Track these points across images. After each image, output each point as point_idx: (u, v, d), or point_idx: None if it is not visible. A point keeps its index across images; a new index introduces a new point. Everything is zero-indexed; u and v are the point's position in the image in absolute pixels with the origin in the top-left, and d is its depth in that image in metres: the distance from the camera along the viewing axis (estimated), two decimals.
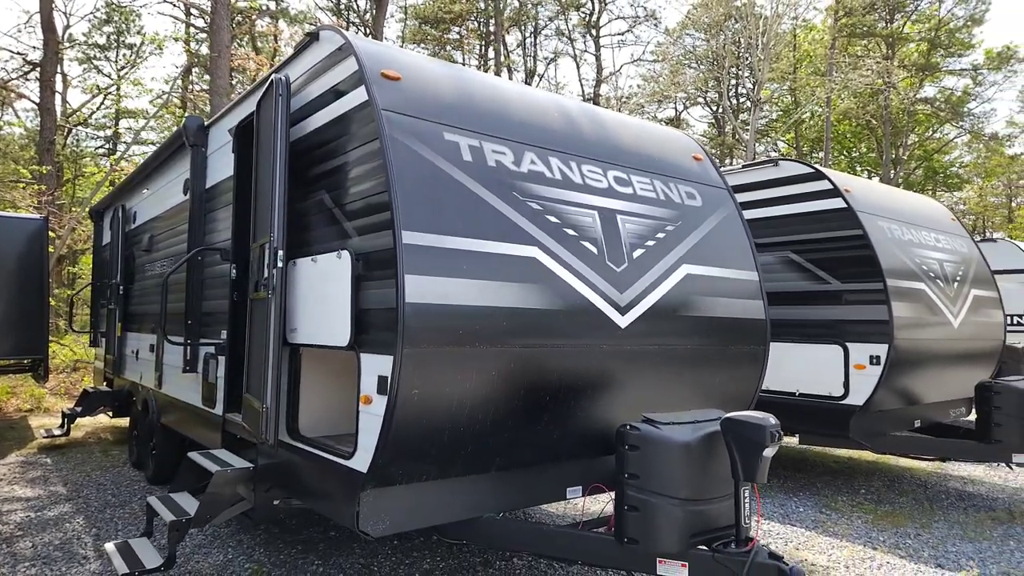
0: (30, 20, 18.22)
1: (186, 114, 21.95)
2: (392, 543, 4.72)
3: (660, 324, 3.70)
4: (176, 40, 20.02)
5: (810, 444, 6.43)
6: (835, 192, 5.79)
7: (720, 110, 31.72)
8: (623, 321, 3.53)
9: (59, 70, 18.82)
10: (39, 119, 17.25)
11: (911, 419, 6.13)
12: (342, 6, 25.29)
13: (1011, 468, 6.37)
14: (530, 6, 29.26)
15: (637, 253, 3.70)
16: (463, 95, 3.45)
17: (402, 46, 28.46)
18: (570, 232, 3.44)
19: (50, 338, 11.11)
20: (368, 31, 20.93)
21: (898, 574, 4.41)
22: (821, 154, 30.31)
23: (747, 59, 24.40)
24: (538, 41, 30.92)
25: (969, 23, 29.50)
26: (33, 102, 17.81)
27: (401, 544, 4.71)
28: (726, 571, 2.79)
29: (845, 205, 5.70)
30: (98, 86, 21.40)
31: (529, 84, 29.83)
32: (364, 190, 3.10)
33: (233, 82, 15.78)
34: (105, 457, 7.45)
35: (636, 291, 3.61)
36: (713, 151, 32.60)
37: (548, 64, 34.20)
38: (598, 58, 31.01)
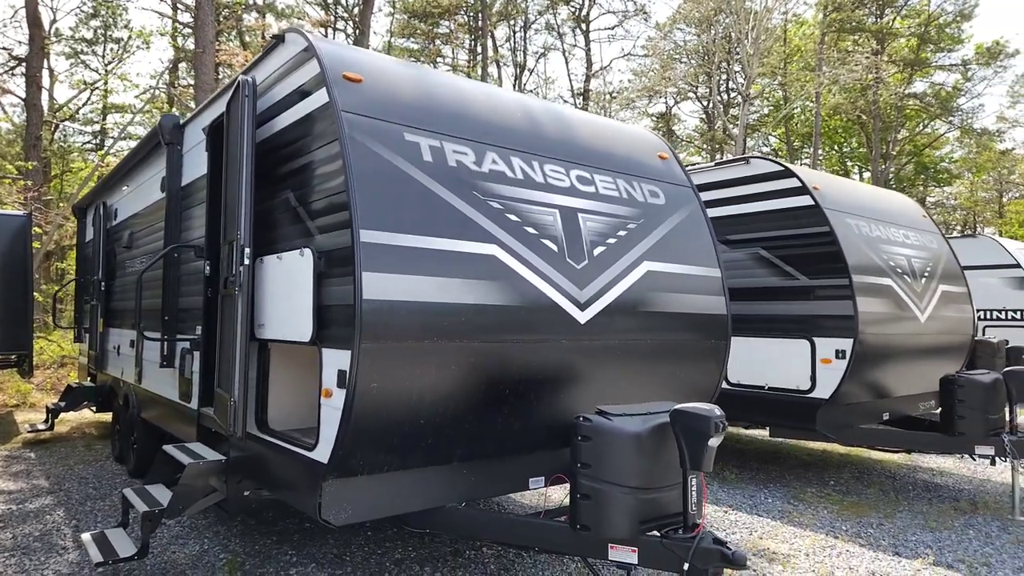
0: (15, 15, 18.09)
1: (173, 110, 21.92)
2: (365, 534, 4.83)
3: (620, 319, 3.80)
4: (162, 35, 19.97)
5: (779, 437, 6.57)
6: (803, 190, 5.90)
7: (711, 105, 31.83)
8: (583, 317, 3.63)
9: (46, 65, 18.74)
10: (25, 115, 17.19)
11: (879, 412, 6.27)
12: (330, 1, 25.23)
13: (974, 459, 6.52)
14: (519, 0, 29.26)
15: (598, 250, 3.80)
16: (425, 96, 3.53)
17: (390, 40, 28.43)
18: (530, 230, 3.53)
19: (37, 334, 11.16)
20: (356, 26, 20.91)
21: (856, 561, 4.54)
22: (813, 149, 30.46)
23: (737, 54, 24.50)
24: (527, 36, 30.92)
25: (958, 18, 29.68)
26: (19, 98, 17.75)
27: (374, 535, 4.81)
28: (673, 555, 2.90)
29: (813, 203, 5.81)
30: (85, 81, 21.32)
31: (519, 79, 29.86)
32: (325, 190, 3.19)
33: (219, 77, 15.76)
34: (88, 451, 7.53)
35: (596, 287, 3.71)
36: (703, 146, 32.74)
37: (538, 59, 34.22)
38: (588, 53, 31.05)
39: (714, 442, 2.91)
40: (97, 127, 23.75)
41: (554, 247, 3.59)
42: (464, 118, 3.60)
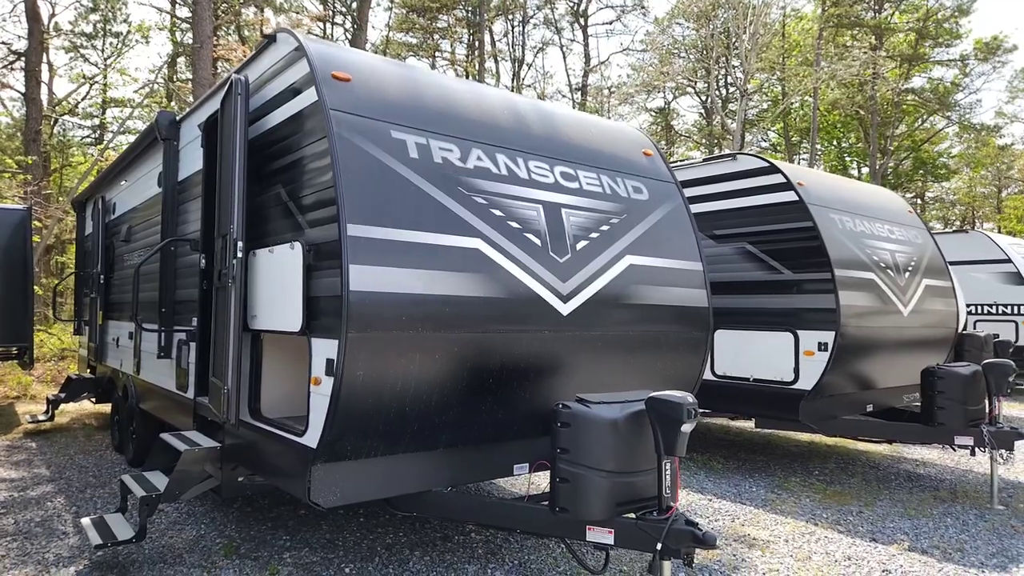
0: (15, 9, 18.15)
1: (171, 104, 21.98)
2: (358, 520, 4.97)
3: (602, 312, 3.93)
4: (161, 30, 20.02)
5: (764, 428, 6.70)
6: (788, 186, 6.02)
7: (709, 100, 31.86)
8: (565, 309, 3.75)
9: (45, 59, 18.81)
10: (25, 109, 17.28)
11: (863, 403, 6.40)
12: None
13: (954, 450, 6.65)
14: None
15: (581, 245, 3.92)
16: (412, 95, 3.64)
17: (388, 35, 28.45)
18: (514, 225, 3.65)
19: (37, 327, 11.28)
20: (354, 21, 20.95)
21: (833, 547, 4.68)
22: (811, 144, 30.52)
23: (736, 49, 24.55)
24: (525, 30, 30.93)
25: (957, 13, 29.69)
26: (19, 92, 17.82)
27: (366, 521, 4.95)
28: (647, 536, 3.03)
29: (797, 198, 5.93)
30: (84, 75, 21.38)
31: (517, 74, 29.88)
32: (315, 185, 3.31)
33: (217, 72, 15.84)
34: (88, 441, 7.67)
35: (578, 280, 3.83)
36: (702, 141, 32.80)
37: (536, 54, 34.24)
38: (586, 48, 31.07)
39: (687, 428, 3.04)
40: (96, 121, 23.82)
41: (537, 241, 3.71)
42: (450, 116, 3.71)
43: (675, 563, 3.49)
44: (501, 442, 3.78)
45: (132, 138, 23.23)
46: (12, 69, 18.18)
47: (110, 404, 7.69)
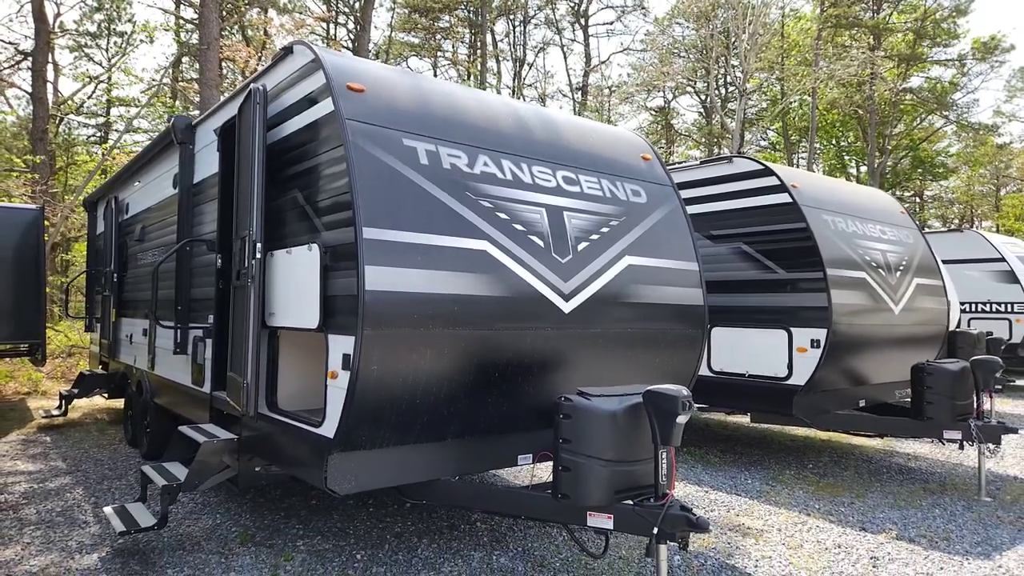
0: (21, 9, 18.29)
1: (176, 104, 22.14)
2: (368, 509, 5.17)
3: (602, 310, 4.12)
4: (167, 31, 20.19)
5: (759, 422, 6.90)
6: (782, 187, 6.21)
7: (708, 100, 32.03)
8: (567, 307, 3.95)
9: (50, 59, 18.99)
10: (31, 108, 17.46)
11: (855, 399, 6.60)
12: None
13: (942, 443, 6.85)
14: None
15: (582, 246, 4.11)
16: (422, 104, 3.84)
17: (391, 35, 28.61)
18: (519, 227, 3.85)
19: (46, 324, 11.47)
20: (357, 21, 21.11)
21: (824, 535, 4.88)
22: (809, 143, 30.70)
23: (735, 48, 24.71)
24: (527, 30, 31.09)
25: (954, 13, 29.85)
26: (25, 92, 18.01)
27: (376, 510, 5.15)
28: (645, 521, 3.23)
29: (791, 200, 6.12)
30: (89, 75, 21.56)
31: (518, 74, 30.04)
32: (331, 190, 3.50)
33: (223, 73, 16.02)
34: (101, 436, 7.87)
35: (580, 280, 4.03)
36: (701, 140, 32.96)
37: (537, 53, 34.42)
38: (586, 47, 31.22)
39: (682, 419, 3.23)
40: (101, 120, 24.01)
41: (540, 243, 3.90)
42: (457, 124, 3.91)
43: (671, 548, 3.71)
44: (506, 433, 3.97)
45: (138, 137, 23.45)
46: (19, 69, 18.37)
47: (123, 400, 7.89)
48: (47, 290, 12.32)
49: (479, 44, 27.93)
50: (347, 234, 3.30)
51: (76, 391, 8.30)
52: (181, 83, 21.20)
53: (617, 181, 4.56)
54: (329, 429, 3.36)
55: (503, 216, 3.79)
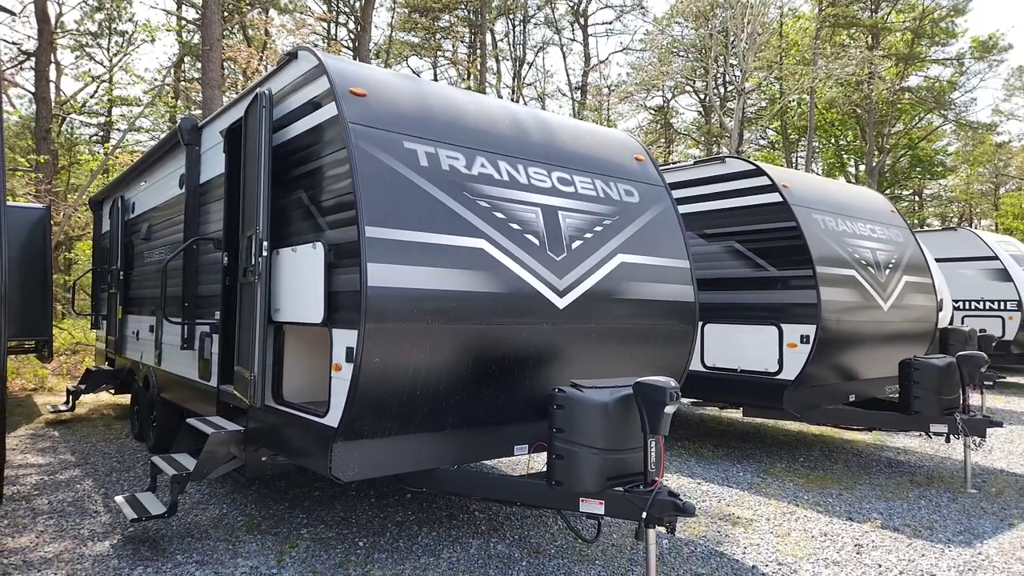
0: (24, 10, 18.46)
1: (179, 104, 22.28)
2: (370, 499, 5.33)
3: (596, 306, 4.28)
4: (169, 31, 20.34)
5: (751, 416, 7.06)
6: (773, 187, 6.37)
7: (707, 99, 32.17)
8: (561, 303, 4.11)
9: (52, 58, 19.14)
10: (34, 107, 17.61)
11: (844, 393, 6.76)
12: None
13: (929, 437, 7.00)
14: None
15: (576, 244, 4.27)
16: (422, 107, 3.99)
17: (391, 35, 28.74)
18: (515, 226, 4.00)
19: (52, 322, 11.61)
20: (357, 21, 21.25)
21: (811, 525, 5.04)
22: (808, 142, 30.83)
23: (734, 48, 24.84)
24: (526, 30, 31.23)
25: (952, 12, 29.97)
26: (28, 91, 18.16)
27: (378, 500, 5.32)
28: (634, 506, 3.38)
29: (782, 199, 6.28)
30: (91, 75, 21.71)
31: (518, 73, 30.16)
32: (335, 190, 3.66)
33: (225, 72, 16.16)
34: (108, 430, 8.03)
35: (574, 277, 4.19)
36: (700, 139, 33.10)
37: (536, 53, 34.54)
38: (586, 47, 31.36)
39: (669, 409, 3.39)
40: (103, 119, 24.16)
41: (536, 241, 4.06)
42: (456, 126, 4.06)
43: (660, 533, 3.85)
44: (503, 424, 4.13)
45: (141, 136, 23.59)
46: (22, 69, 18.53)
47: (129, 395, 8.05)
48: (52, 289, 12.48)
49: (479, 44, 28.07)
50: (350, 233, 3.45)
51: (83, 387, 8.46)
52: (183, 83, 21.35)
53: (610, 181, 4.71)
54: (333, 419, 3.52)
55: (500, 215, 3.95)
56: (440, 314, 3.57)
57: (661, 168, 5.72)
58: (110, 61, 22.78)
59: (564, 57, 44.43)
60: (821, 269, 6.07)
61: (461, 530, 4.70)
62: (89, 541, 4.46)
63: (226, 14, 17.15)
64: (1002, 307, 12.59)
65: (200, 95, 14.22)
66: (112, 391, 8.49)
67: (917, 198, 40.24)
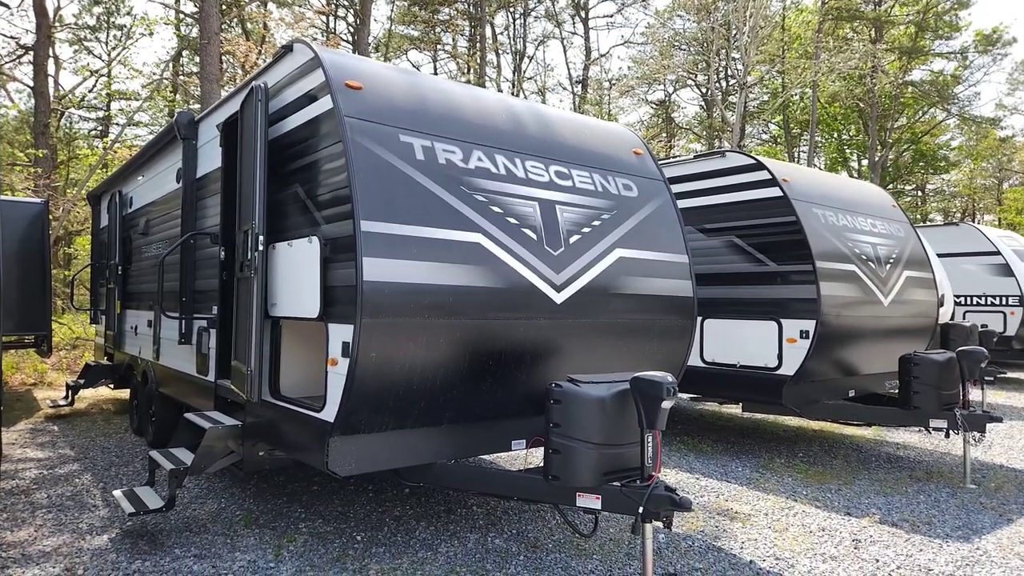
0: (22, 4, 18.39)
1: (177, 98, 22.23)
2: (368, 494, 5.33)
3: (593, 300, 4.26)
4: (167, 24, 20.27)
5: (750, 412, 7.05)
6: (773, 182, 6.33)
7: (709, 92, 32.05)
8: (559, 298, 4.09)
9: (51, 53, 19.08)
10: (33, 102, 17.58)
11: (844, 388, 6.74)
12: None
13: (929, 432, 6.99)
14: None
15: (573, 239, 4.25)
16: (418, 101, 3.96)
17: (391, 28, 28.63)
18: (512, 220, 3.98)
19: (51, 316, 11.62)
20: (356, 14, 21.16)
21: (809, 520, 5.03)
22: (810, 137, 30.72)
23: (736, 41, 24.72)
24: (527, 23, 31.09)
25: (956, 5, 29.80)
26: (27, 86, 18.12)
27: (376, 495, 5.32)
28: (631, 501, 3.37)
29: (782, 194, 6.25)
30: (89, 69, 21.66)
31: (518, 67, 30.05)
32: (330, 184, 3.64)
33: (223, 66, 16.11)
34: (107, 425, 8.04)
35: (571, 272, 4.16)
36: (702, 133, 32.99)
37: (537, 46, 34.42)
38: (587, 40, 31.23)
39: (666, 404, 3.37)
40: (102, 114, 24.13)
41: (533, 236, 4.04)
42: (453, 120, 4.04)
43: (657, 528, 3.84)
44: (500, 420, 4.12)
45: (139, 131, 23.54)
46: (20, 63, 18.47)
47: (128, 390, 8.05)
48: (52, 283, 12.48)
49: (479, 37, 27.96)
50: (346, 227, 3.43)
51: (82, 381, 8.46)
52: (181, 77, 21.29)
53: (609, 176, 4.68)
54: (330, 414, 3.51)
55: (497, 210, 3.93)
56: (436, 309, 3.56)
57: (660, 162, 5.69)
58: (108, 55, 22.74)
59: (565, 51, 44.25)
60: (821, 264, 6.05)
61: (459, 524, 4.70)
62: (88, 535, 4.46)
63: (224, 7, 17.09)
64: (1004, 302, 12.55)
65: (199, 89, 14.17)
66: (111, 386, 8.50)
67: (920, 193, 40.10)
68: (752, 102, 32.20)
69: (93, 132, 25.01)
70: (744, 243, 6.59)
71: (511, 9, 30.37)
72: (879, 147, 31.31)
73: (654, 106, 34.88)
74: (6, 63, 18.38)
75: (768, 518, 5.05)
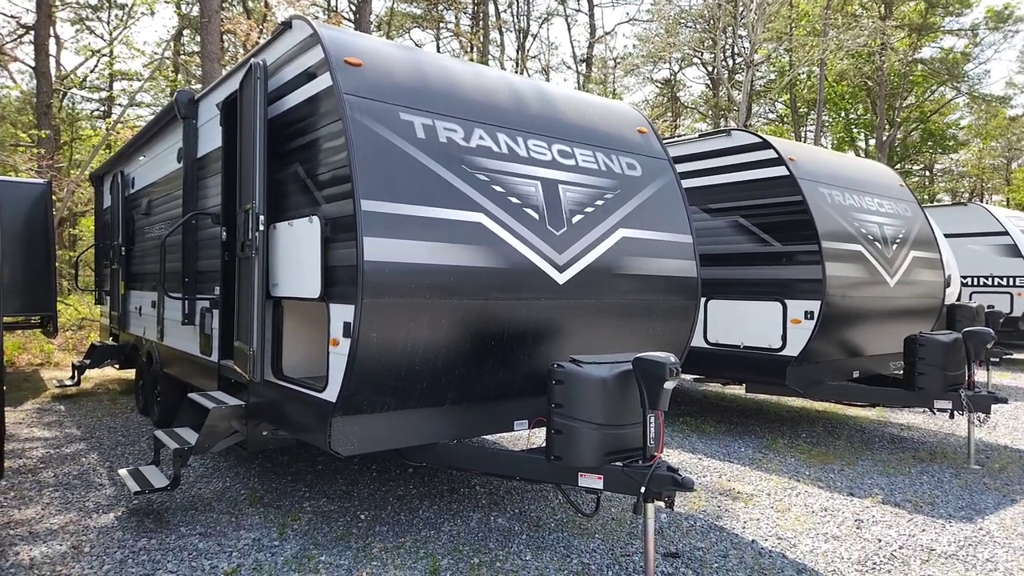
0: None
1: (179, 78, 22.06)
2: (371, 474, 5.36)
3: (596, 281, 4.23)
4: (167, 3, 20.06)
5: (754, 393, 7.04)
6: (779, 161, 6.25)
7: (715, 71, 31.61)
8: (561, 278, 4.06)
9: (52, 32, 18.93)
10: (35, 82, 17.47)
11: (849, 370, 6.72)
12: None
13: (933, 413, 6.98)
14: None
15: (576, 218, 4.20)
16: (419, 78, 3.90)
17: (392, 6, 28.26)
18: (514, 200, 3.94)
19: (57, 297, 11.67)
20: None
21: (812, 500, 5.04)
22: (817, 115, 30.34)
23: (743, 18, 24.32)
24: (531, 1, 30.63)
25: None
26: (28, 66, 18.00)
27: (379, 475, 5.35)
28: (633, 481, 3.38)
29: (788, 173, 6.17)
30: (91, 48, 21.50)
31: (522, 45, 29.68)
32: (330, 163, 3.60)
33: (224, 45, 15.95)
34: (114, 405, 8.10)
35: (574, 252, 4.13)
36: (708, 112, 32.63)
37: (541, 24, 33.94)
38: (591, 18, 30.78)
39: (669, 385, 3.36)
40: (104, 94, 24.00)
41: (535, 215, 4.00)
42: (454, 98, 3.98)
43: (659, 508, 3.86)
44: (502, 400, 4.12)
45: (141, 111, 23.42)
46: (21, 43, 18.34)
47: (133, 370, 8.10)
48: (56, 264, 12.52)
49: (482, 15, 27.58)
50: (346, 206, 3.40)
51: (88, 362, 8.51)
52: (183, 56, 21.12)
53: (612, 154, 4.62)
54: (332, 394, 3.51)
55: (499, 189, 3.88)
56: (438, 289, 3.54)
57: (665, 141, 5.61)
58: (110, 34, 22.54)
59: (569, 28, 43.72)
60: (827, 244, 5.99)
61: (462, 504, 4.72)
62: (94, 513, 4.51)
63: None
64: (1011, 283, 12.46)
65: (200, 69, 14.05)
66: (117, 366, 8.55)
67: (928, 173, 39.69)
68: (759, 80, 31.76)
69: (96, 112, 24.90)
70: (749, 223, 6.53)
71: None
72: (887, 126, 30.92)
73: (659, 85, 34.46)
74: (7, 43, 18.25)
75: (770, 498, 5.06)
